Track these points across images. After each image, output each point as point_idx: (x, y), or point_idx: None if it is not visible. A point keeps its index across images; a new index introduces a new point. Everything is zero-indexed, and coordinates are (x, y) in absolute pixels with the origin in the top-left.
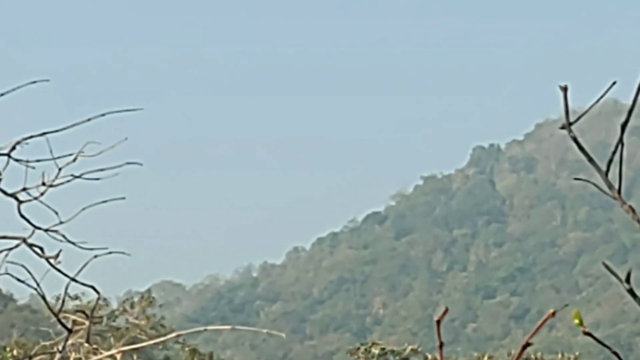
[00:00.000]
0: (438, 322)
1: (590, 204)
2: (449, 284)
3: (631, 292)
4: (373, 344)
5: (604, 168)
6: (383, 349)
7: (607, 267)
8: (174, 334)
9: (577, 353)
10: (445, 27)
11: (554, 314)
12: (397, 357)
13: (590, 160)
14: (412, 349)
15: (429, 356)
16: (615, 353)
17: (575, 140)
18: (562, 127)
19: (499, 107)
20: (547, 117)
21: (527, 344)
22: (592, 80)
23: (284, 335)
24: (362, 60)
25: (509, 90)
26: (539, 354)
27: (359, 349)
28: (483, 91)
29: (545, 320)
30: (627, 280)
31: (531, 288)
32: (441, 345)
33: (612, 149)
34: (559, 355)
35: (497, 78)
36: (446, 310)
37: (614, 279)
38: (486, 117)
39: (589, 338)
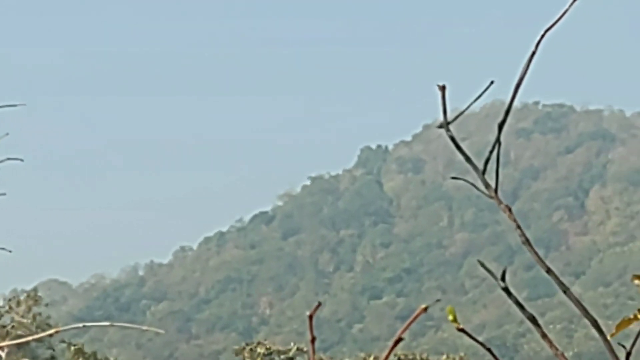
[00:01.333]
0: (310, 316)
1: (477, 206)
2: (335, 284)
3: (506, 290)
4: (259, 343)
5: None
6: (269, 348)
7: (483, 265)
8: (52, 330)
9: (462, 354)
10: (331, 27)
11: (425, 309)
12: (283, 357)
13: (468, 159)
14: (297, 349)
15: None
16: (489, 350)
17: (452, 139)
18: (440, 126)
19: (387, 108)
20: (435, 118)
21: (399, 339)
22: (484, 80)
23: (163, 332)
24: (249, 61)
25: (397, 91)
26: (424, 355)
27: (244, 348)
28: (372, 92)
29: (418, 315)
30: (503, 278)
31: (417, 289)
32: (313, 339)
33: (501, 149)
34: (444, 356)
35: (385, 79)
36: (318, 305)
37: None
38: (374, 118)
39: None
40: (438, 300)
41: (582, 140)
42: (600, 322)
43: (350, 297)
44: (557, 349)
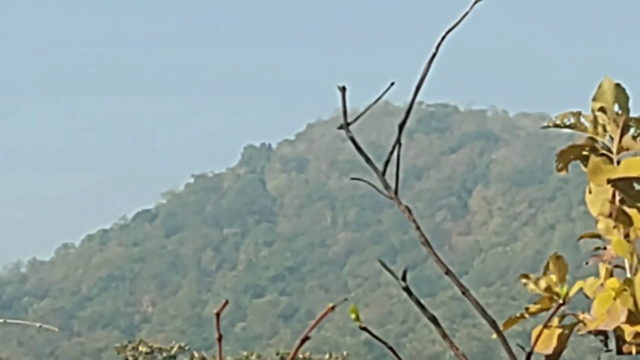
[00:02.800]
0: (217, 314)
1: (360, 205)
2: (218, 282)
3: (407, 290)
4: (141, 341)
5: (380, 168)
6: (150, 346)
7: (383, 264)
8: None
9: (345, 353)
10: (216, 26)
11: (333, 308)
12: (165, 355)
13: (368, 160)
14: (179, 347)
15: (196, 354)
16: (390, 348)
17: (352, 140)
18: (340, 127)
19: (271, 107)
20: (319, 118)
21: (306, 337)
22: (366, 81)
23: (56, 329)
24: (119, 59)
25: (282, 89)
26: (307, 354)
27: (126, 346)
28: (255, 91)
29: (326, 314)
30: (404, 278)
31: (300, 288)
32: (220, 337)
33: (384, 150)
34: (327, 355)
35: (270, 78)
36: (226, 303)
37: (382, 279)
38: (258, 117)
39: (356, 338)
40: (345, 300)
41: (466, 141)
42: (482, 321)
43: (233, 296)
44: (457, 349)
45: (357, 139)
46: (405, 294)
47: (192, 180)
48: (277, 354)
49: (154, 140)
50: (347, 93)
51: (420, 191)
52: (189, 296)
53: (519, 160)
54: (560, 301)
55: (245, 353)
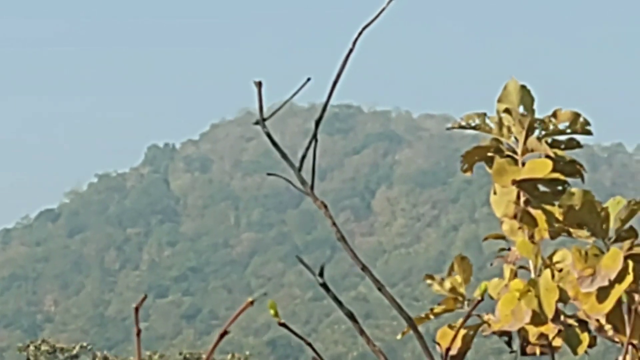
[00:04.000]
0: (136, 309)
1: (264, 205)
2: (121, 282)
3: (324, 286)
4: (43, 341)
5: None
6: (52, 346)
7: (301, 261)
8: None
9: (247, 353)
10: (116, 25)
11: (252, 302)
12: (67, 355)
13: (284, 156)
14: (82, 346)
15: (98, 354)
16: (309, 344)
17: (269, 135)
18: (256, 123)
19: (175, 107)
20: (223, 118)
21: (225, 332)
22: (271, 80)
23: None
24: (18, 60)
25: (186, 89)
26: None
27: (28, 346)
28: (160, 90)
29: (244, 309)
30: (321, 274)
31: (203, 288)
32: (139, 332)
33: (289, 150)
34: (230, 356)
35: (173, 77)
36: (144, 298)
37: (285, 280)
38: (162, 116)
39: (258, 339)
40: (264, 294)
41: (370, 142)
42: (385, 322)
43: (136, 296)
44: (374, 345)
45: (262, 139)
46: (308, 295)
47: (95, 180)
48: (180, 353)
49: (57, 139)
50: (251, 91)
51: (323, 192)
52: (91, 296)
53: (423, 161)
54: (479, 298)
55: (148, 353)
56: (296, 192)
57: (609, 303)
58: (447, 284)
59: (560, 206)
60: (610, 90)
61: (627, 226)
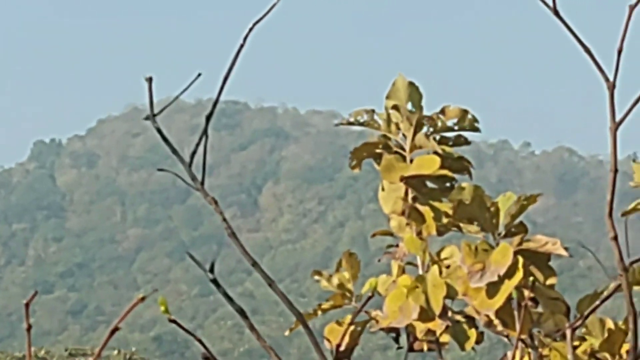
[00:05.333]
0: (27, 304)
1: (150, 201)
2: (6, 278)
3: (215, 282)
4: None
5: (187, 160)
6: None
7: (191, 257)
8: None
9: (133, 349)
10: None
11: (143, 299)
12: None
13: (174, 151)
14: None
15: None
16: (200, 341)
17: (159, 131)
18: (146, 118)
19: (61, 102)
20: (109, 113)
21: (116, 328)
22: (163, 74)
23: None
24: None
25: (73, 84)
26: (96, 350)
27: None
28: (46, 85)
29: (135, 305)
30: (212, 270)
31: (89, 284)
32: (29, 328)
33: (176, 146)
34: (116, 352)
35: (59, 72)
36: (35, 293)
37: (171, 276)
38: (48, 112)
39: (145, 334)
40: (155, 290)
41: (256, 137)
42: (271, 318)
43: (22, 291)
44: (264, 342)
45: (148, 135)
46: (194, 291)
47: None
48: (66, 349)
49: None
50: (138, 87)
51: (210, 188)
52: None
53: (310, 157)
54: (370, 294)
55: (33, 349)
56: (183, 188)
57: (500, 299)
58: (335, 280)
59: (450, 201)
60: (496, 87)
61: (517, 222)
